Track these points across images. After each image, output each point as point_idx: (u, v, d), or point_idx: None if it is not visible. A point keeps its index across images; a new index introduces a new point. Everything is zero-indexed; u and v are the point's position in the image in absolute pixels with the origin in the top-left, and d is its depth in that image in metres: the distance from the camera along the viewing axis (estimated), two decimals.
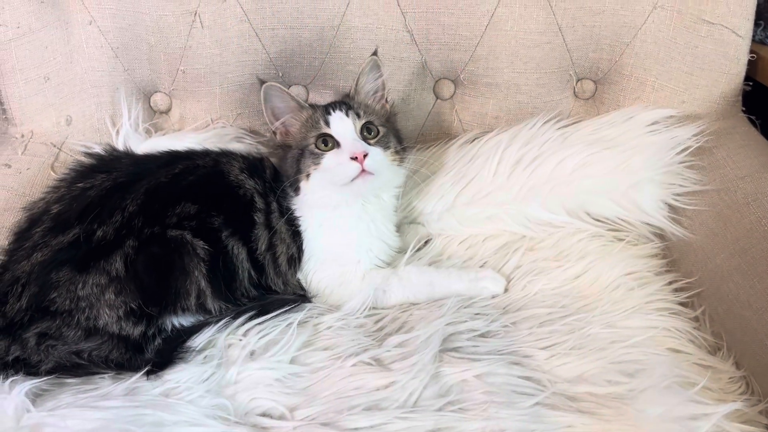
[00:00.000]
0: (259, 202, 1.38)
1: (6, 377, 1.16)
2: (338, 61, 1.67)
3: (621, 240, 1.50)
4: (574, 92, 1.73)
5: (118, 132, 1.64)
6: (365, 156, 1.31)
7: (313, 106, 1.44)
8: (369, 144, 1.37)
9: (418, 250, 1.55)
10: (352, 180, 1.33)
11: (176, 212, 1.28)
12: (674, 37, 1.60)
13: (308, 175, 1.38)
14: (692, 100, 1.61)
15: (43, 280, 1.21)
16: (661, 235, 1.51)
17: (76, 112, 1.63)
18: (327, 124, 1.38)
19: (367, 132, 1.39)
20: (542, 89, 1.70)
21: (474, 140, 1.67)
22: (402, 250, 1.51)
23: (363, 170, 1.32)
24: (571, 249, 1.50)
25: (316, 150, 1.37)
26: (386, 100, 1.50)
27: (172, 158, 1.41)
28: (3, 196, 1.44)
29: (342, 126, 1.37)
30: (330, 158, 1.36)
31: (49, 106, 1.60)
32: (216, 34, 1.62)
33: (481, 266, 1.50)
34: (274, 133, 1.47)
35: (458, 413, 1.13)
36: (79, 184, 1.32)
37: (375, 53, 1.44)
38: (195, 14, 1.60)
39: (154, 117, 1.74)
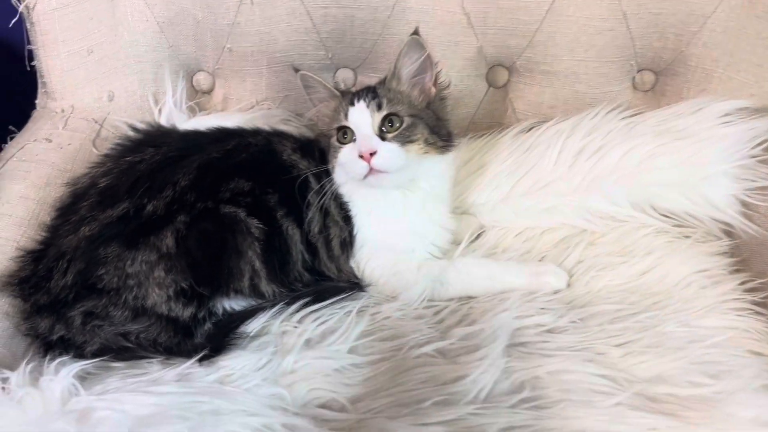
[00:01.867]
0: (313, 183, 1.31)
1: (52, 358, 1.08)
2: (390, 44, 1.61)
3: (687, 237, 1.42)
4: (633, 83, 1.66)
5: (160, 110, 1.58)
6: (372, 154, 1.22)
7: (343, 94, 1.35)
8: (386, 138, 1.26)
9: (471, 242, 1.47)
10: (365, 177, 1.25)
11: (230, 188, 1.22)
12: (744, 26, 1.52)
13: (333, 167, 1.32)
14: (762, 93, 1.53)
15: (90, 256, 1.14)
16: (728, 233, 1.43)
17: (118, 87, 1.57)
18: (346, 116, 1.29)
19: (389, 124, 1.27)
20: (602, 79, 1.63)
21: (530, 130, 1.59)
22: (455, 242, 1.44)
23: (372, 168, 1.23)
24: (635, 244, 1.42)
25: (336, 143, 1.30)
26: (435, 82, 1.36)
27: (222, 135, 1.34)
28: (44, 171, 1.37)
29: (360, 118, 1.27)
30: (345, 153, 1.28)
31: (92, 80, 1.53)
32: (266, 12, 1.55)
33: (540, 260, 1.43)
34: (316, 120, 1.42)
35: (533, 411, 1.05)
36: (128, 158, 1.26)
37: (416, 32, 1.30)
38: None
39: (197, 97, 1.68)
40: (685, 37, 1.57)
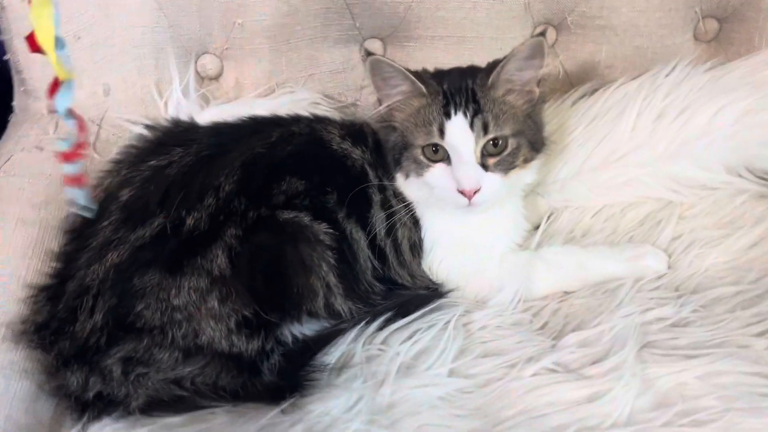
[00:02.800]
0: (372, 175, 1.10)
1: (90, 420, 0.86)
2: (427, 6, 1.40)
3: None
4: (695, 34, 1.49)
5: (166, 103, 1.34)
6: (476, 192, 1.03)
7: (430, 90, 1.07)
8: (488, 166, 1.04)
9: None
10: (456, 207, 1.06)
11: (282, 189, 1.01)
12: None
13: (407, 176, 1.09)
14: None
15: (122, 288, 0.93)
16: None
17: (114, 79, 1.32)
18: (441, 133, 1.04)
19: (492, 146, 1.05)
20: (664, 30, 1.46)
21: (592, 95, 1.40)
22: (529, 228, 1.25)
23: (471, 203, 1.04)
24: (734, 213, 1.26)
25: (422, 158, 1.06)
26: (538, 84, 1.12)
27: (259, 125, 1.13)
28: (41, 186, 1.13)
29: (459, 138, 1.04)
30: (436, 174, 1.05)
31: (82, 71, 1.28)
32: None
33: (628, 241, 1.25)
34: (379, 101, 1.13)
35: (695, 427, 0.87)
36: (150, 162, 1.03)
37: (543, 34, 1.06)
38: None
39: (203, 84, 1.43)
40: None
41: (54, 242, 1.05)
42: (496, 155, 1.05)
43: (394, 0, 1.39)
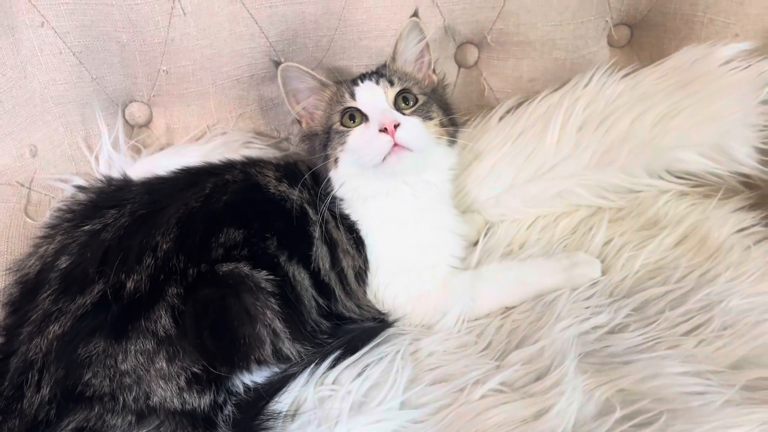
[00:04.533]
0: (312, 213, 1.12)
1: None
2: (349, 37, 1.42)
3: (709, 196, 1.33)
4: (609, 41, 1.56)
5: (97, 157, 1.32)
6: (396, 126, 1.09)
7: (338, 82, 1.24)
8: (404, 113, 1.16)
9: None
10: (384, 159, 1.10)
11: (220, 242, 1.02)
12: None
13: (336, 160, 1.16)
14: (746, 32, 1.45)
15: (68, 359, 0.93)
16: (746, 184, 1.35)
17: (40, 138, 1.30)
18: (352, 96, 1.17)
19: (403, 102, 1.18)
20: (579, 41, 1.51)
21: (517, 108, 1.45)
22: (468, 245, 1.29)
23: (395, 144, 1.09)
24: (658, 214, 1.33)
25: (342, 128, 1.16)
26: (433, 70, 1.29)
27: (192, 177, 1.13)
28: None
29: (370, 95, 1.16)
30: (357, 135, 1.15)
31: (5, 135, 1.26)
32: (202, 21, 1.33)
33: (563, 250, 1.30)
34: (299, 121, 1.27)
35: (638, 430, 0.91)
36: (85, 227, 1.03)
37: (415, 14, 1.24)
38: None
39: (133, 132, 1.42)
40: None
41: None
42: (410, 107, 1.17)
43: (317, 34, 1.40)
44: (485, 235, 1.35)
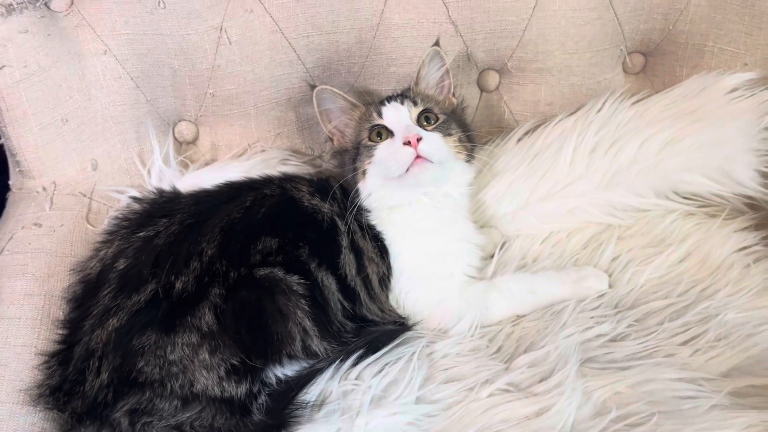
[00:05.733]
0: (341, 225, 1.24)
1: None
2: (379, 64, 1.54)
3: (714, 216, 1.41)
4: (624, 68, 1.65)
5: (149, 171, 1.47)
6: (419, 140, 1.21)
7: (367, 103, 1.37)
8: (426, 129, 1.29)
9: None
10: (407, 169, 1.22)
11: (258, 249, 1.14)
12: None
13: (364, 172, 1.29)
14: (754, 61, 1.53)
15: (124, 349, 1.05)
16: (751, 205, 1.43)
17: (101, 154, 1.45)
18: (380, 115, 1.30)
19: (425, 120, 1.30)
20: (595, 69, 1.60)
21: (534, 131, 1.55)
22: (485, 257, 1.39)
23: (418, 156, 1.21)
24: (665, 232, 1.41)
25: (369, 143, 1.29)
26: (453, 94, 1.41)
27: (234, 191, 1.26)
28: (43, 261, 1.25)
29: (396, 114, 1.29)
30: (383, 148, 1.27)
31: (71, 151, 1.41)
32: (246, 50, 1.46)
33: (574, 264, 1.39)
34: (331, 138, 1.40)
35: (629, 430, 1.01)
36: (140, 233, 1.16)
37: (437, 43, 1.37)
38: (221, 29, 1.44)
39: (182, 149, 1.57)
40: (671, 16, 1.56)
41: (59, 312, 1.17)
42: (431, 124, 1.29)
43: (349, 61, 1.53)
44: (501, 248, 1.44)
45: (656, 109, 1.46)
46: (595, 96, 1.58)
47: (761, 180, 1.38)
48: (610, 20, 1.55)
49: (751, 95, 1.38)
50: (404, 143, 1.21)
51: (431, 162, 1.23)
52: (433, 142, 1.25)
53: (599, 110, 1.49)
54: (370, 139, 1.29)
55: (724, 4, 1.52)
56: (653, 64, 1.64)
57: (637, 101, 1.50)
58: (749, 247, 1.33)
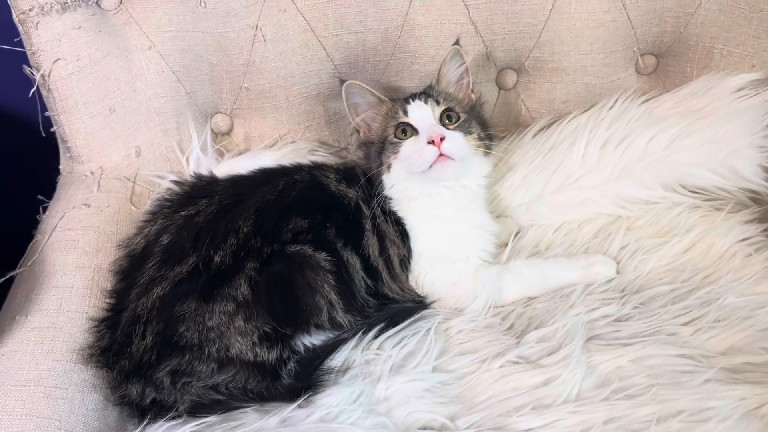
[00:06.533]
0: (365, 209, 1.33)
1: (147, 422, 1.09)
2: (403, 62, 1.63)
3: (719, 209, 1.48)
4: (636, 69, 1.72)
5: (187, 159, 1.57)
6: (442, 139, 1.29)
7: (393, 99, 1.45)
8: (448, 127, 1.36)
9: (514, 244, 1.51)
10: (431, 166, 1.30)
11: (289, 228, 1.24)
12: (737, 2, 1.59)
13: (389, 166, 1.37)
14: (762, 63, 1.60)
15: (167, 315, 1.15)
16: (755, 200, 1.50)
17: (143, 141, 1.56)
18: (405, 113, 1.38)
19: (447, 119, 1.37)
20: (608, 68, 1.68)
21: (549, 127, 1.64)
22: (500, 245, 1.48)
23: (441, 154, 1.29)
24: (671, 223, 1.48)
25: (395, 139, 1.36)
26: (471, 90, 1.49)
27: (268, 176, 1.36)
28: (92, 237, 1.35)
29: (420, 113, 1.36)
30: (408, 145, 1.35)
31: (117, 138, 1.52)
32: (279, 47, 1.56)
33: (584, 252, 1.47)
34: (357, 131, 1.49)
35: (627, 400, 1.10)
36: (182, 212, 1.26)
37: (457, 42, 1.45)
38: (256, 28, 1.54)
39: (217, 139, 1.67)
40: (682, 19, 1.63)
41: (106, 283, 1.28)
42: (453, 123, 1.37)
43: (375, 59, 1.62)
44: (515, 236, 1.53)
45: (665, 106, 1.53)
46: (608, 95, 1.65)
47: (764, 175, 1.45)
48: (623, 23, 1.63)
49: (756, 94, 1.45)
50: (428, 142, 1.29)
51: (453, 159, 1.31)
52: (455, 141, 1.32)
53: (611, 108, 1.57)
54: (395, 136, 1.36)
55: (733, 8, 1.59)
56: (665, 65, 1.71)
57: (647, 100, 1.58)
58: (751, 238, 1.40)
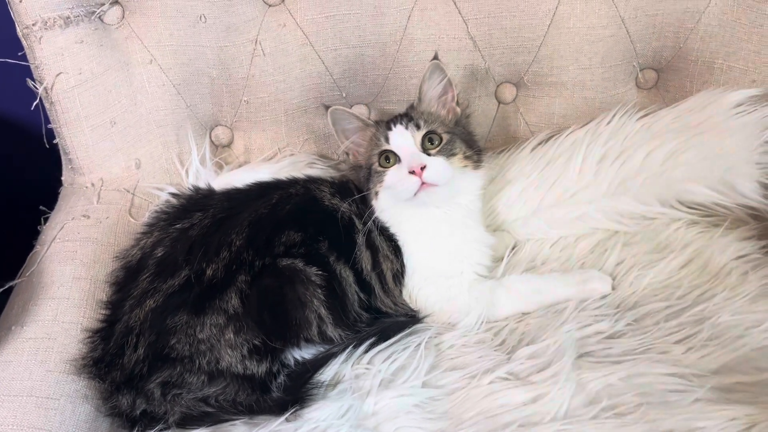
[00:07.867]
0: (358, 223, 1.34)
1: None
2: (402, 76, 1.64)
3: (717, 225, 1.47)
4: (636, 83, 1.72)
5: (187, 171, 1.59)
6: (423, 168, 1.28)
7: (377, 123, 1.44)
8: (430, 154, 1.33)
9: (510, 258, 1.51)
10: (415, 194, 1.30)
11: (282, 241, 1.25)
12: (738, 17, 1.58)
13: (376, 193, 1.36)
14: (762, 79, 1.59)
15: (159, 327, 1.16)
16: (754, 216, 1.48)
17: (143, 154, 1.58)
18: (387, 140, 1.36)
19: (429, 142, 1.35)
20: (607, 83, 1.68)
21: (547, 141, 1.64)
22: (496, 258, 1.48)
23: (424, 183, 1.29)
24: (669, 239, 1.47)
25: (379, 168, 1.36)
26: (457, 102, 1.46)
27: (263, 189, 1.37)
28: (90, 249, 1.37)
29: (401, 140, 1.35)
30: (391, 175, 1.34)
31: (118, 150, 1.54)
32: (278, 61, 1.58)
33: (580, 267, 1.47)
34: (347, 154, 1.48)
35: (616, 419, 1.09)
36: (177, 225, 1.28)
37: (435, 57, 1.41)
38: (256, 42, 1.56)
39: (217, 151, 1.69)
40: (682, 34, 1.63)
41: (102, 294, 1.29)
42: (436, 147, 1.34)
43: (374, 73, 1.64)
44: (511, 250, 1.53)
45: (663, 122, 1.53)
46: (607, 109, 1.64)
47: (763, 191, 1.44)
48: (622, 38, 1.63)
49: (754, 110, 1.44)
50: (409, 172, 1.28)
51: (436, 185, 1.30)
52: (437, 168, 1.30)
53: (609, 122, 1.56)
54: (380, 164, 1.35)
55: (733, 23, 1.59)
56: (665, 79, 1.70)
57: (645, 115, 1.58)
58: (748, 255, 1.38)
